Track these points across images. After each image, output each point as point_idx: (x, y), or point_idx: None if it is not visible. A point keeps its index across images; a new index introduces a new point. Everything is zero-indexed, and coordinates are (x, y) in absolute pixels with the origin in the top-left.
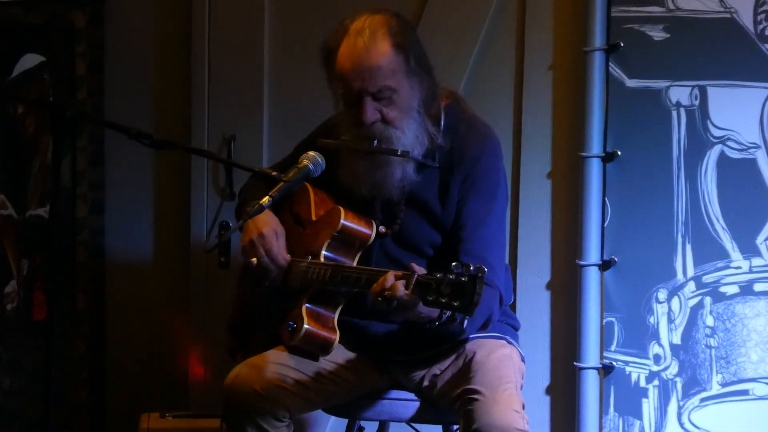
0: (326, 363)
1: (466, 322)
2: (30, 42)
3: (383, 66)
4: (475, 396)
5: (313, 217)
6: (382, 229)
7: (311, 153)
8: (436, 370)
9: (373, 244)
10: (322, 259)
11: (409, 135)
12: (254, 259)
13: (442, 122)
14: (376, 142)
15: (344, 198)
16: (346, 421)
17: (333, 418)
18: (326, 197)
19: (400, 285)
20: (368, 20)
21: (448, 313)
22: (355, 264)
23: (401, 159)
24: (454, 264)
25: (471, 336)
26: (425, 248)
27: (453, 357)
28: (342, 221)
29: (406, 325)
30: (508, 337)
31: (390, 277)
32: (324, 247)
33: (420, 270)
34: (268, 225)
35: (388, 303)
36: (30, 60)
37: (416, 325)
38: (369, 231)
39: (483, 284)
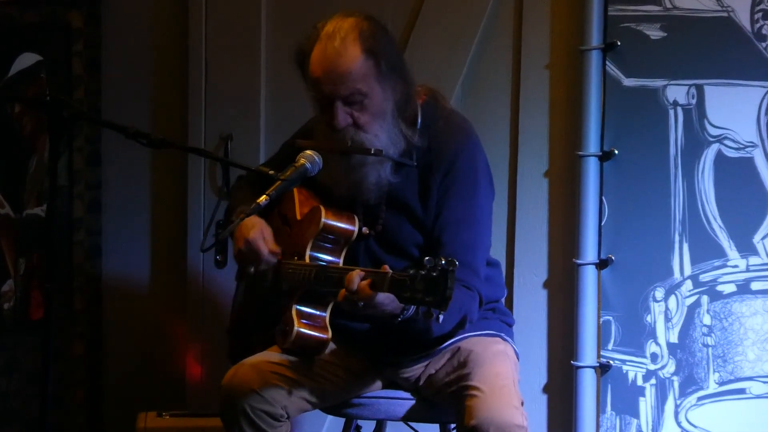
0: (322, 362)
1: (441, 317)
2: (27, 41)
3: (353, 71)
4: (474, 392)
5: (298, 217)
6: (365, 230)
7: (308, 152)
8: (431, 369)
9: (358, 245)
10: (307, 260)
11: (383, 138)
12: (251, 267)
13: (419, 121)
14: (350, 142)
15: (327, 196)
16: (342, 420)
17: (330, 417)
18: (310, 195)
19: (365, 285)
20: (339, 24)
21: (424, 308)
22: (341, 260)
23: (376, 160)
24: (426, 258)
25: (466, 334)
26: (409, 248)
27: (448, 356)
28: (323, 220)
29: (392, 325)
30: (502, 334)
31: (355, 277)
32: (309, 247)
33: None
34: (254, 227)
35: (354, 304)
36: (27, 59)
37: (383, 321)
38: (352, 227)
39: (455, 277)
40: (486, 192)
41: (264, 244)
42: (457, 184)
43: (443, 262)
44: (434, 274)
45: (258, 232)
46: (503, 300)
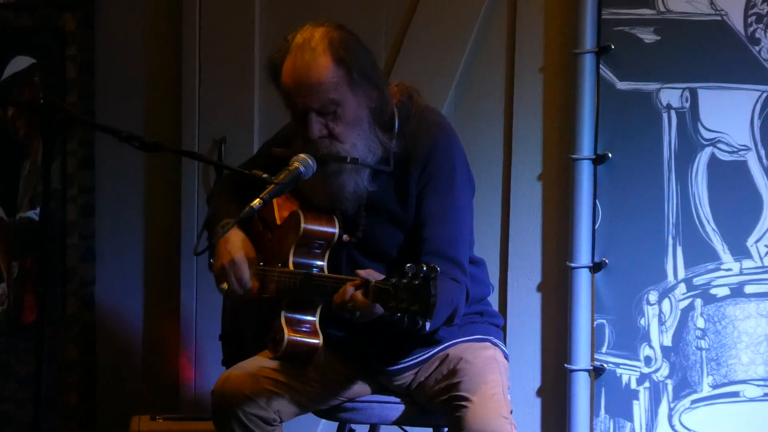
0: (315, 366)
1: (428, 325)
2: (21, 44)
3: (324, 82)
4: (463, 403)
5: (278, 221)
6: (345, 237)
7: (302, 155)
8: (421, 376)
9: (340, 253)
10: (291, 267)
11: (360, 147)
12: (225, 285)
13: (396, 125)
14: (325, 151)
15: (306, 198)
16: (336, 424)
17: (323, 421)
18: (289, 197)
19: (359, 295)
20: (309, 34)
21: (410, 317)
22: (325, 262)
23: (353, 168)
24: (408, 266)
25: (455, 340)
26: (392, 253)
27: (437, 363)
28: (303, 225)
29: (387, 333)
30: (491, 337)
31: (349, 288)
32: (291, 254)
33: (371, 275)
34: (240, 249)
35: (351, 313)
36: (20, 62)
37: (387, 322)
38: (332, 229)
39: (437, 285)
40: (465, 185)
41: (245, 279)
42: (435, 178)
43: (425, 268)
44: (416, 282)
45: (243, 256)
46: (489, 299)
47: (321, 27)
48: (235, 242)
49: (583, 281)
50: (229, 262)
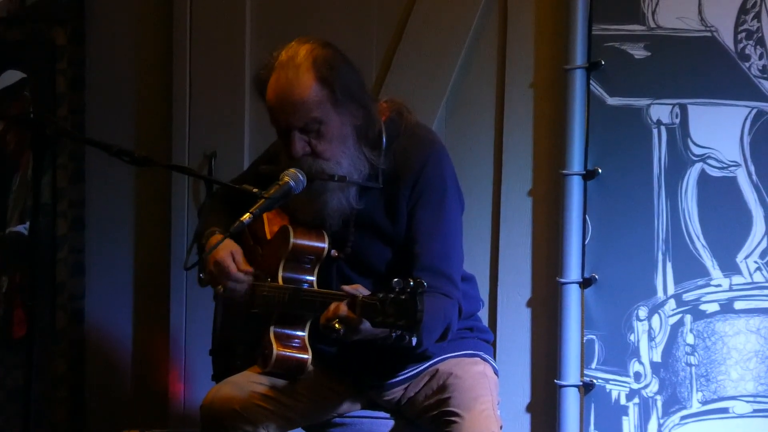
0: (304, 381)
1: (414, 340)
2: (11, 58)
3: (307, 100)
4: (454, 418)
5: (268, 236)
6: (334, 252)
7: (292, 170)
8: (411, 392)
9: (330, 268)
10: (280, 281)
11: (344, 164)
12: (220, 288)
13: (384, 141)
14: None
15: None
16: None
17: None
18: (278, 212)
19: (346, 310)
20: (294, 52)
21: (397, 332)
22: (315, 277)
23: (338, 185)
24: (395, 280)
25: (444, 355)
26: (381, 268)
27: (427, 379)
28: (292, 240)
29: (375, 348)
30: (481, 353)
31: (333, 306)
32: (281, 269)
33: (358, 291)
34: (223, 248)
35: (338, 333)
36: (11, 76)
37: (375, 343)
38: (322, 244)
39: (423, 300)
40: (455, 200)
41: (232, 264)
42: (425, 194)
43: (412, 283)
44: (403, 297)
45: (227, 252)
46: (479, 315)
47: (306, 44)
48: (219, 246)
49: (572, 297)
50: (214, 264)
